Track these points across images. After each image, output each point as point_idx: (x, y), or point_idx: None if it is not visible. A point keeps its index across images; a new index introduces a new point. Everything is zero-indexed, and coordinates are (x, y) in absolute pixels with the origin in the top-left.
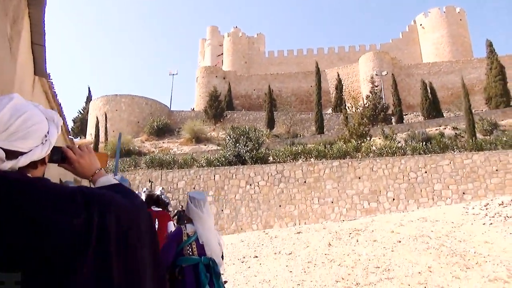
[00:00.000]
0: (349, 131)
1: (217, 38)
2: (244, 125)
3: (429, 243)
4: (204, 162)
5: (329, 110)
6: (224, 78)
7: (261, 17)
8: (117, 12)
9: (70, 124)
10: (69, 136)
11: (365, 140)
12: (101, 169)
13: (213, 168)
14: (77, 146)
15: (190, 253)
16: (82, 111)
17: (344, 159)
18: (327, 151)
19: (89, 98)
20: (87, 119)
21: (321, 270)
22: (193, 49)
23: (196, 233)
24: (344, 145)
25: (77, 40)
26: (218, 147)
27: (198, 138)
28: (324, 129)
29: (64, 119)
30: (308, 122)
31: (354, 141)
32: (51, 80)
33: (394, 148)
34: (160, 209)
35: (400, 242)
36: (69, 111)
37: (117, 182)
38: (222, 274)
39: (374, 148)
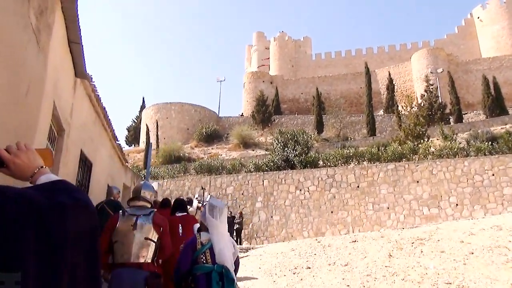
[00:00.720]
0: (404, 132)
1: (263, 43)
2: (292, 129)
3: (508, 255)
4: (252, 167)
5: (381, 112)
6: (271, 83)
7: (307, 20)
8: (164, 24)
9: (124, 133)
10: (117, 142)
11: (422, 141)
12: (43, 167)
13: (262, 173)
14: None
15: (204, 261)
16: (135, 120)
17: (399, 161)
18: (380, 153)
19: (142, 107)
20: (140, 128)
21: (383, 285)
22: (240, 56)
23: (210, 241)
24: (399, 147)
25: (133, 52)
26: (266, 152)
27: (246, 144)
28: (376, 131)
29: (110, 124)
30: (358, 125)
31: (410, 143)
32: (93, 83)
33: (455, 149)
34: (185, 213)
35: (472, 253)
36: (125, 120)
37: (59, 179)
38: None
39: (432, 149)
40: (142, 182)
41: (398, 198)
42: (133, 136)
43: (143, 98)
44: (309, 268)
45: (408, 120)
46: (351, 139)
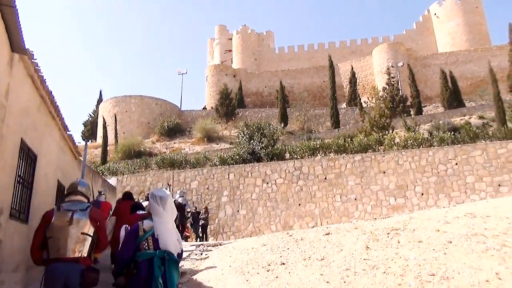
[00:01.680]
0: (369, 123)
1: (226, 36)
2: (257, 121)
3: (487, 243)
4: (218, 161)
5: (343, 105)
6: (234, 76)
7: (269, 14)
8: (124, 13)
9: (81, 128)
10: (68, 132)
11: (387, 132)
12: None
13: (227, 166)
14: None
15: (146, 248)
16: (92, 115)
17: (366, 153)
18: (347, 145)
19: (99, 101)
20: (97, 122)
21: (364, 280)
22: (202, 50)
23: (152, 228)
24: (365, 138)
25: (86, 43)
26: (231, 146)
27: (210, 137)
28: (340, 124)
29: (58, 111)
30: (322, 118)
31: (376, 134)
32: (35, 61)
33: (419, 140)
34: (145, 212)
35: (451, 242)
36: (82, 115)
37: None
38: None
39: (397, 140)
40: (77, 178)
41: (365, 189)
42: (90, 131)
43: (100, 91)
44: (283, 264)
45: (374, 111)
46: (315, 131)
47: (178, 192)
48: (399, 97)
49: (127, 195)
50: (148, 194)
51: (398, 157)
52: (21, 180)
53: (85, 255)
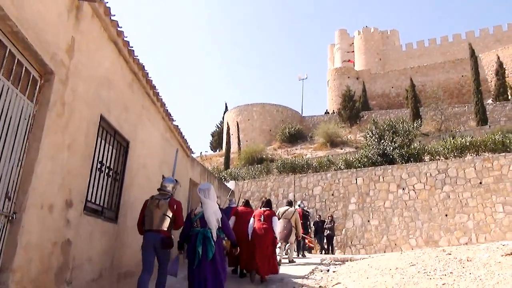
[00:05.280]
0: None
1: (347, 41)
2: (388, 119)
3: None
4: (343, 164)
5: (489, 101)
6: (357, 78)
7: (391, 13)
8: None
9: (209, 138)
10: (173, 122)
11: None
12: None
13: (354, 170)
14: None
15: (196, 226)
16: (219, 125)
17: None
18: (508, 141)
19: (225, 112)
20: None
21: None
22: (322, 56)
23: (200, 212)
24: None
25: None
26: (356, 150)
27: (333, 142)
28: (488, 122)
29: (158, 95)
30: (464, 116)
31: None
32: (114, 17)
33: None
34: (269, 209)
35: None
36: (210, 127)
37: None
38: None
39: None
40: (167, 177)
41: None
42: (217, 141)
43: (226, 103)
44: None
45: None
46: (456, 132)
47: (298, 202)
48: None
49: (245, 203)
50: (289, 200)
51: None
52: (104, 168)
53: (165, 229)
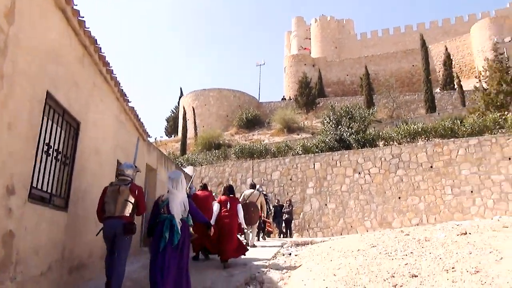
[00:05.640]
0: (484, 101)
1: (303, 28)
2: (345, 106)
3: None
4: (301, 150)
5: (437, 90)
6: (313, 66)
7: (347, 2)
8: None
9: (164, 124)
10: (129, 103)
11: (506, 113)
12: None
13: (312, 155)
14: None
15: (163, 212)
16: (174, 111)
17: (482, 136)
18: (457, 128)
19: (181, 97)
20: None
21: None
22: (278, 43)
23: (167, 199)
24: (480, 119)
25: (169, 41)
26: (312, 136)
27: (290, 128)
28: (437, 110)
29: (112, 74)
30: (414, 104)
31: (492, 114)
32: None
33: None
34: (232, 196)
35: None
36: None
37: None
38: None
39: None
40: (123, 162)
41: (485, 179)
42: (172, 126)
43: (181, 88)
44: (415, 276)
45: (489, 86)
46: (407, 119)
47: (257, 186)
48: (510, 75)
49: (203, 186)
50: (252, 183)
51: None
52: (51, 152)
53: (127, 215)
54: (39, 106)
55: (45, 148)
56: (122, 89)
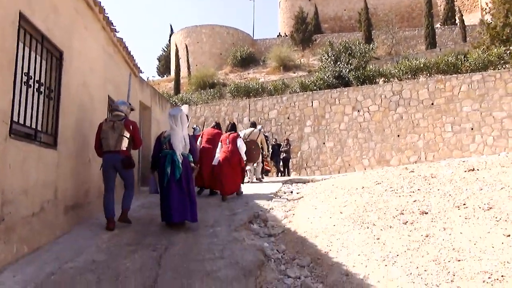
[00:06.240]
0: (489, 34)
1: None
2: (344, 41)
3: None
4: (298, 87)
5: (437, 25)
6: (309, 0)
7: None
8: None
9: (155, 63)
10: (116, 33)
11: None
12: None
13: (310, 93)
14: None
15: (166, 148)
16: (165, 49)
17: (486, 71)
18: (460, 63)
19: (171, 35)
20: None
21: None
22: None
23: (169, 136)
24: (485, 54)
25: None
26: (309, 74)
27: (286, 66)
28: (436, 46)
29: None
30: (414, 40)
31: (497, 49)
32: None
33: None
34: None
35: None
36: (155, 51)
37: None
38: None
39: None
40: (119, 100)
41: (486, 116)
42: (165, 66)
43: (171, 25)
44: (425, 213)
45: (495, 18)
46: (408, 55)
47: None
48: None
49: (216, 125)
50: (252, 121)
51: None
52: (32, 83)
53: (124, 149)
54: (12, 29)
55: (25, 78)
56: (108, 17)
